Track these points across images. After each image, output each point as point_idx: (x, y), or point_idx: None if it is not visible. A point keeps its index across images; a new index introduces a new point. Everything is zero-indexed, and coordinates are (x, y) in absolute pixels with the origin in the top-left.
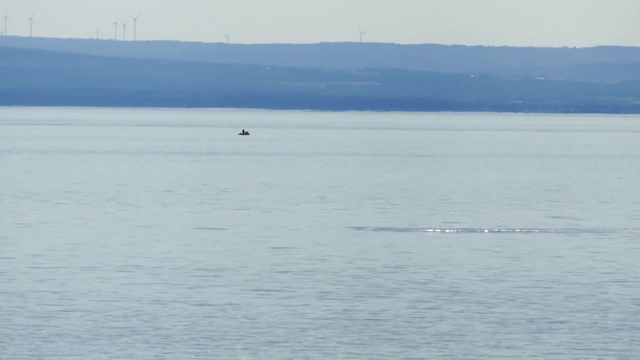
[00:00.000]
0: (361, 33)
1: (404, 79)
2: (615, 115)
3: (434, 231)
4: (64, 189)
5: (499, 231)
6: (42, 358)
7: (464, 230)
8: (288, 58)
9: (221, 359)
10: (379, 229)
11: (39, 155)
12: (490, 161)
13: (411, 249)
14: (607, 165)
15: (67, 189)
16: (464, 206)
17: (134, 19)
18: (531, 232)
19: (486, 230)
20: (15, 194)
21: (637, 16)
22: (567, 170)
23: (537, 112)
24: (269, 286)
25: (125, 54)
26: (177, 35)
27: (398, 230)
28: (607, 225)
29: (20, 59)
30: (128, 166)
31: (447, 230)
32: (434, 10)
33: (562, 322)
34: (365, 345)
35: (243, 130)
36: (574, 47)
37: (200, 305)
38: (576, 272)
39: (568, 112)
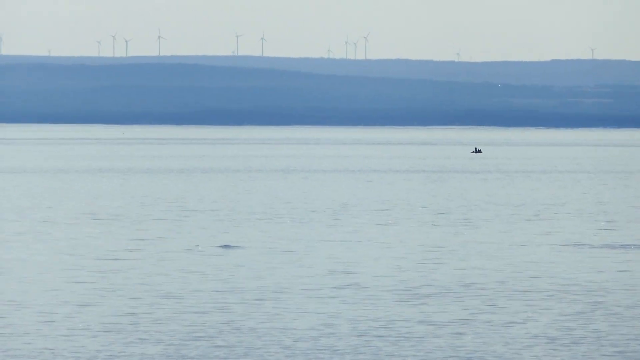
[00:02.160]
0: (592, 50)
1: (636, 95)
2: None
3: None
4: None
5: None
6: None
7: None
8: (519, 75)
9: None
10: (604, 246)
11: (275, 175)
12: None
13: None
14: None
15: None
16: None
17: (365, 38)
18: None
19: None
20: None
21: None
22: None
23: None
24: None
25: (356, 72)
26: (408, 54)
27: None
28: None
29: (251, 79)
30: (355, 184)
31: None
32: None
33: None
34: None
35: (475, 148)
36: None
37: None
38: None
39: None
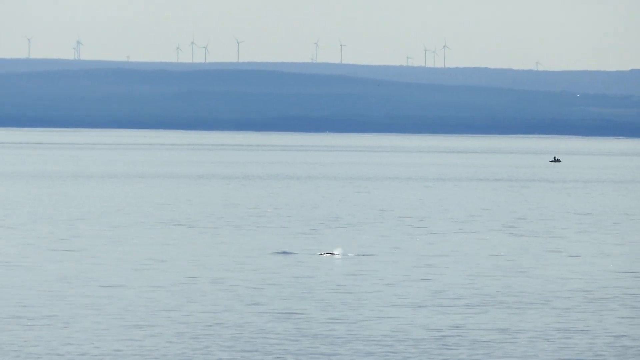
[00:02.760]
0: None
1: None
2: None
3: None
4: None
5: None
6: None
7: None
8: (598, 85)
9: None
10: None
11: (352, 182)
12: None
13: None
14: None
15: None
16: None
17: (444, 46)
18: None
19: None
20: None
21: None
22: None
23: None
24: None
25: (435, 80)
26: (487, 62)
27: None
28: None
29: (330, 86)
30: (432, 192)
31: None
32: None
33: None
34: None
35: (554, 157)
36: None
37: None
38: None
39: None
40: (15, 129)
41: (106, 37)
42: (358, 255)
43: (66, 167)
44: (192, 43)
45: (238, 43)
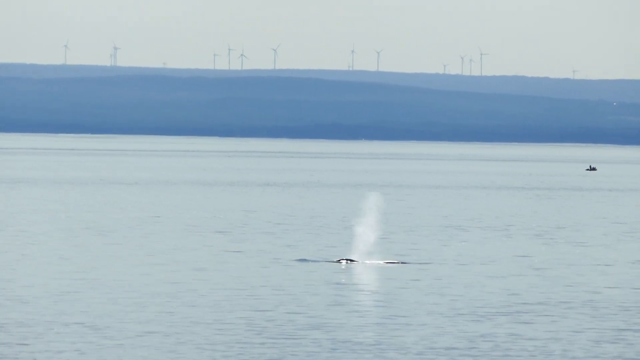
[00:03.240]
0: None
1: None
2: None
3: None
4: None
5: None
6: None
7: None
8: (634, 94)
9: None
10: None
11: (388, 189)
12: None
13: None
14: None
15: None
16: None
17: (481, 54)
18: None
19: None
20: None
21: None
22: None
23: None
24: None
25: (472, 88)
26: (524, 71)
27: None
28: None
29: (366, 94)
30: (469, 200)
31: None
32: None
33: None
34: None
35: (590, 166)
36: None
37: None
38: None
39: None
40: (51, 135)
41: (143, 44)
42: (390, 262)
43: (103, 173)
44: (229, 50)
45: (275, 50)
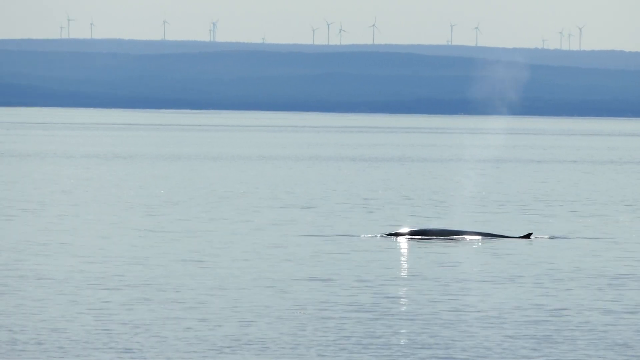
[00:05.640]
0: None
1: None
2: None
3: None
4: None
5: None
6: None
7: None
8: None
9: None
10: None
11: (486, 164)
12: None
13: None
14: None
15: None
16: None
17: (580, 28)
18: None
19: None
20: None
21: None
22: None
23: None
24: None
25: (571, 63)
26: (622, 45)
27: None
28: None
29: (465, 68)
30: (567, 175)
31: None
32: None
33: None
34: None
35: None
36: None
37: None
38: None
39: None
40: (151, 110)
41: (242, 19)
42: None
43: (201, 148)
44: (328, 25)
45: (374, 25)
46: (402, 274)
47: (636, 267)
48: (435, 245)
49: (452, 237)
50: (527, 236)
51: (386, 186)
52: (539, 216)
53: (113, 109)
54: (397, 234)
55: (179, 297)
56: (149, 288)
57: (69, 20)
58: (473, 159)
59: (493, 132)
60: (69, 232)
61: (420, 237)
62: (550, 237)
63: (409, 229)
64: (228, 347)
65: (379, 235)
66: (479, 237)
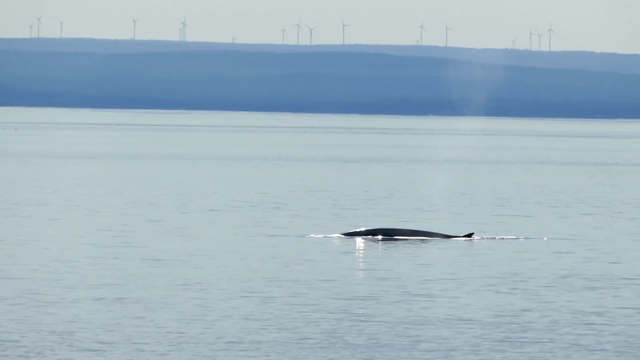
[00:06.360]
0: None
1: None
2: None
3: None
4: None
5: None
6: None
7: None
8: None
9: None
10: None
11: (458, 165)
12: None
13: None
14: None
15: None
16: None
17: (550, 30)
18: None
19: None
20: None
21: None
22: None
23: None
24: None
25: (541, 64)
26: (593, 46)
27: None
28: None
29: (435, 69)
30: (533, 175)
31: None
32: None
33: None
34: None
35: None
36: None
37: None
38: None
39: None
40: (120, 110)
41: (212, 19)
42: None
43: (173, 149)
44: (298, 25)
45: (344, 25)
46: (352, 272)
47: (600, 267)
48: (377, 245)
49: (397, 236)
50: (469, 236)
51: (353, 186)
52: (496, 216)
53: (82, 109)
54: (353, 234)
55: (145, 296)
56: (116, 289)
57: (38, 19)
58: (441, 160)
59: (462, 133)
60: (35, 233)
61: (370, 236)
62: (491, 238)
63: (365, 229)
64: (191, 344)
65: (335, 236)
66: (424, 237)
